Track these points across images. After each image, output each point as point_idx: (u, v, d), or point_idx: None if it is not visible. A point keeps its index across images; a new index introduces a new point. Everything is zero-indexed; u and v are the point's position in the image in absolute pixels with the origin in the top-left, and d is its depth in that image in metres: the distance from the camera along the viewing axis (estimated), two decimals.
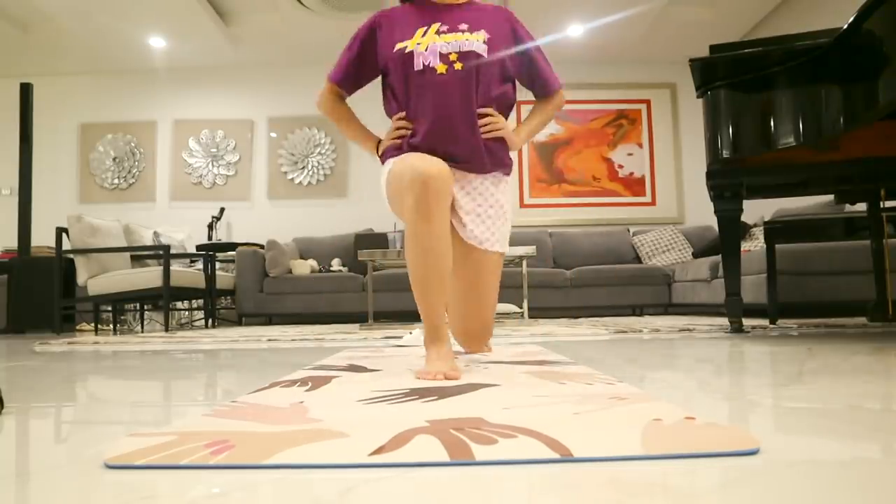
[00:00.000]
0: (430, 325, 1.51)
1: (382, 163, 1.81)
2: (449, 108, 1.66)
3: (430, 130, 1.67)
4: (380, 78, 1.83)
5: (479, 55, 1.66)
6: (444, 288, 1.54)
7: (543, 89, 1.93)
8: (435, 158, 1.56)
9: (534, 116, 1.94)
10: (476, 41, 1.67)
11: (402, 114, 1.72)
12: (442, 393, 1.14)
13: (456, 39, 1.67)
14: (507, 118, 1.80)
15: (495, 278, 1.80)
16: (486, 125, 1.71)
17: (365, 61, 1.81)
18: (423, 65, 1.65)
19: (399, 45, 1.69)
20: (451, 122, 1.66)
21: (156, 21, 5.93)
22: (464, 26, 1.70)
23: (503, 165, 1.80)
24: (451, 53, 1.65)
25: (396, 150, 1.73)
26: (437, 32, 1.68)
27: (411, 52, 1.66)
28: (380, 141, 1.85)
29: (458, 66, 1.65)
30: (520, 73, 1.84)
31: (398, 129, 1.73)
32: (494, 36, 1.71)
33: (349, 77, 1.84)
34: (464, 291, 1.77)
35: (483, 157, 1.71)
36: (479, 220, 1.75)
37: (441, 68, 1.64)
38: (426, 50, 1.66)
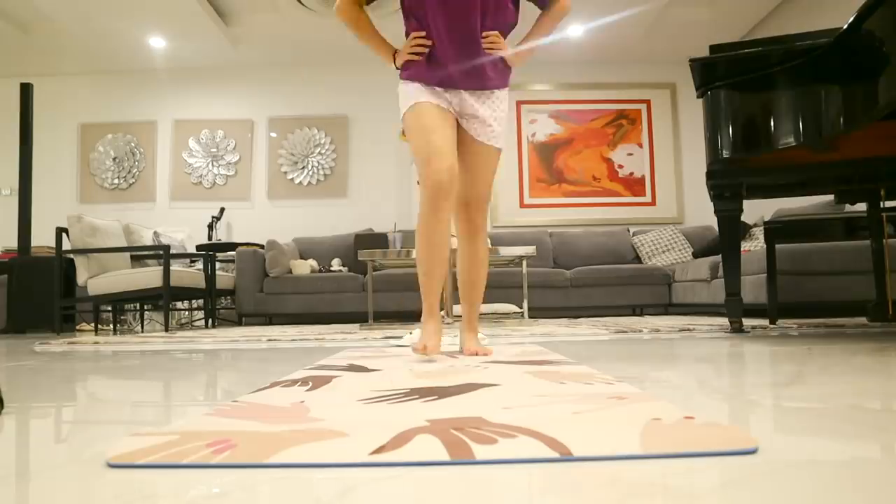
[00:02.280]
0: (428, 302, 1.92)
1: (401, 77, 1.99)
2: (463, 28, 1.86)
3: (444, 47, 1.88)
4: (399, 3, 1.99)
5: None
6: (443, 271, 1.95)
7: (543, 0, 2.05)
8: (447, 152, 1.84)
9: (534, 32, 2.04)
10: None
11: (423, 33, 1.90)
12: (442, 393, 1.14)
13: None
14: (506, 37, 1.99)
15: (493, 164, 2.02)
16: (489, 43, 1.90)
17: None
18: None
19: None
20: (464, 41, 1.87)
21: (156, 21, 5.93)
22: None
23: (504, 84, 2.01)
24: None
25: (412, 68, 1.93)
26: None
27: None
28: (396, 52, 1.99)
29: None
30: None
31: (415, 45, 1.90)
32: None
33: None
34: (466, 173, 1.98)
35: (490, 73, 1.93)
36: (496, 123, 1.98)
37: None
38: None
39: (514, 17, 1.99)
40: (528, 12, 2.03)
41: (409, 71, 1.95)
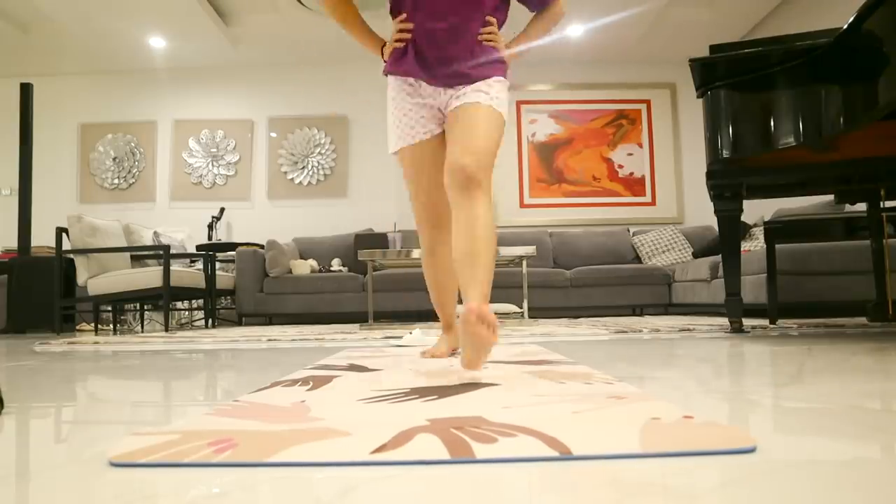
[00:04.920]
0: (444, 320, 2.01)
1: (384, 71, 1.88)
2: (448, 19, 1.73)
3: (428, 37, 1.75)
4: None
5: None
6: (453, 296, 1.98)
7: (538, 2, 1.93)
8: (430, 180, 1.83)
9: (526, 34, 1.92)
10: None
11: (404, 16, 1.77)
12: (442, 392, 1.14)
13: None
14: None
15: (489, 124, 1.71)
16: (486, 34, 1.77)
17: None
18: None
19: None
20: (448, 33, 1.74)
21: (156, 21, 5.93)
22: None
23: (497, 73, 1.82)
24: None
25: (395, 62, 1.82)
26: None
27: None
28: (384, 44, 1.89)
29: None
30: None
31: (400, 31, 1.79)
32: None
33: None
34: (452, 133, 1.73)
35: (478, 66, 1.77)
36: (489, 89, 1.78)
37: None
38: None
39: (505, 15, 1.89)
40: (517, 19, 1.95)
41: (393, 64, 1.82)
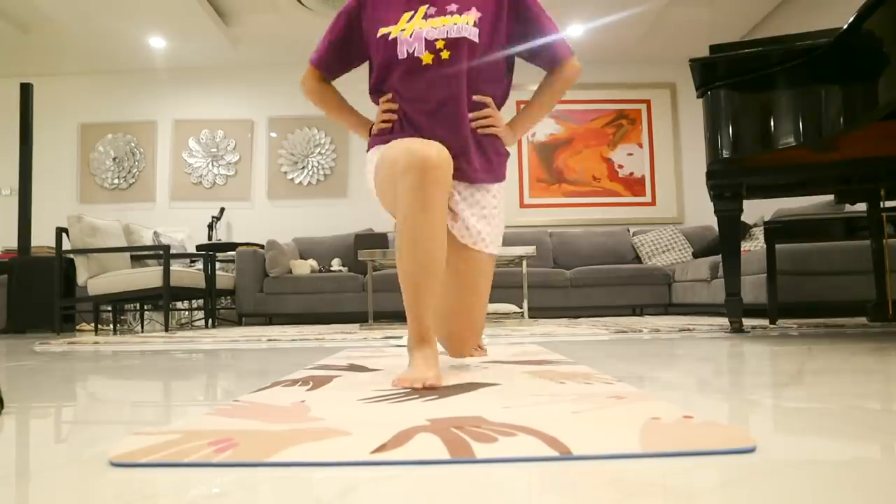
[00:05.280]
0: (417, 326, 1.35)
1: (368, 150, 1.63)
2: (434, 102, 1.49)
3: (416, 124, 1.52)
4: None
5: (469, 41, 1.47)
6: (436, 287, 1.37)
7: (548, 60, 1.63)
8: (434, 142, 1.37)
9: (537, 100, 1.66)
10: (465, 24, 1.48)
11: (389, 95, 1.55)
12: (442, 392, 1.14)
13: (444, 24, 1.49)
14: (500, 109, 1.62)
15: (487, 281, 1.61)
16: (481, 119, 1.53)
17: (350, 42, 1.61)
18: (407, 52, 1.49)
19: (382, 31, 1.52)
20: (436, 118, 1.50)
21: (156, 21, 5.93)
22: (453, 7, 1.52)
23: (498, 178, 1.60)
24: (437, 40, 1.47)
25: (382, 136, 1.56)
26: (425, 16, 1.51)
27: (395, 39, 1.50)
28: (372, 125, 1.65)
29: (444, 54, 1.47)
30: (518, 40, 1.59)
31: (385, 111, 1.56)
32: (486, 13, 1.52)
33: (332, 60, 1.65)
34: (452, 290, 1.57)
35: (473, 159, 1.53)
36: (484, 224, 1.57)
37: (427, 58, 1.47)
38: (410, 36, 1.49)
39: (506, 88, 1.64)
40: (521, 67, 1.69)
41: (381, 137, 1.56)
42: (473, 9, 1.51)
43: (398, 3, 1.56)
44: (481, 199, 1.56)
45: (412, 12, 1.53)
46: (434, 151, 1.31)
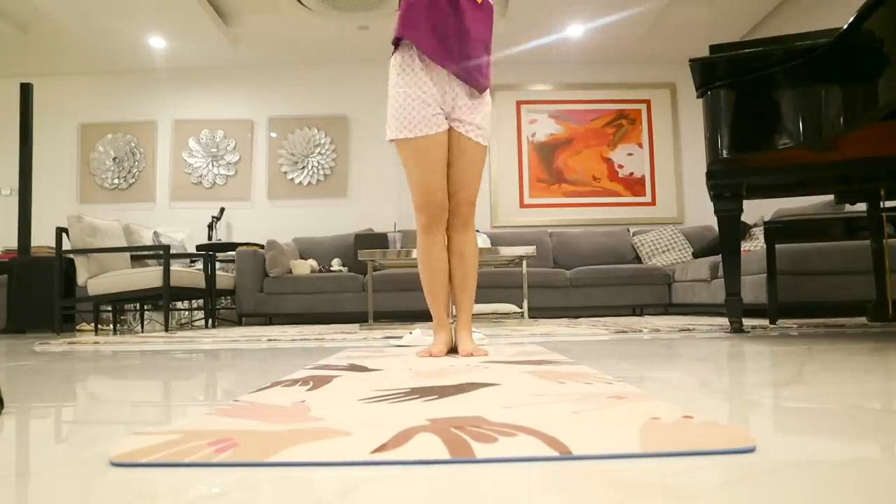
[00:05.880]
0: (437, 314, 2.07)
1: (396, 35, 1.96)
2: (472, 32, 1.95)
3: (449, 44, 1.93)
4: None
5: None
6: (445, 286, 2.07)
7: None
8: (440, 180, 1.98)
9: None
10: None
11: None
12: (442, 392, 1.14)
13: None
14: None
15: (482, 161, 2.07)
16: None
17: None
18: None
19: None
20: (461, 40, 1.94)
21: (156, 21, 5.93)
22: None
23: (490, 87, 2.09)
24: None
25: (409, 24, 1.92)
26: None
27: None
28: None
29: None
30: None
31: None
32: None
33: None
34: (458, 173, 2.03)
35: (484, 71, 2.02)
36: (485, 123, 2.04)
37: None
38: None
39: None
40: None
41: (407, 27, 1.93)
42: None
43: None
44: (479, 104, 2.02)
45: None
46: (441, 197, 1.98)
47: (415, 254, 4.36)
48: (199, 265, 5.82)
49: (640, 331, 3.11)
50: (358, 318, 5.55)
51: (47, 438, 0.89)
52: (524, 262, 4.48)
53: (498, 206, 6.88)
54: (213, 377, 1.67)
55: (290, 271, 5.72)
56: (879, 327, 2.96)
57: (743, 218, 3.00)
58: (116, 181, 6.93)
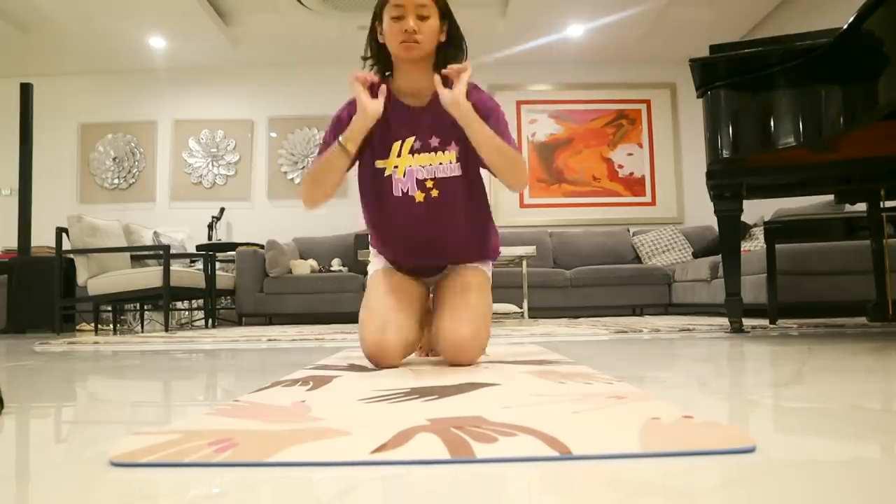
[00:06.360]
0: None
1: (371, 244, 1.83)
2: (425, 233, 1.66)
3: (406, 248, 1.72)
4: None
5: (454, 178, 1.63)
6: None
7: None
8: (392, 337, 1.56)
9: (488, 129, 1.59)
10: (449, 162, 1.62)
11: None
12: (442, 392, 1.14)
13: (430, 163, 1.62)
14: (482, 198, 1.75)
15: (485, 294, 1.70)
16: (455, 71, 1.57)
17: None
18: (402, 192, 1.63)
19: (378, 164, 1.66)
20: (428, 244, 1.69)
21: (156, 21, 5.93)
22: (435, 141, 1.63)
23: (490, 257, 1.80)
24: (427, 180, 1.62)
25: (378, 248, 1.78)
26: (411, 151, 1.63)
27: (390, 177, 1.64)
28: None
29: (434, 193, 1.62)
30: None
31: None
32: (462, 142, 1.61)
33: None
34: (451, 298, 1.64)
35: (472, 253, 1.75)
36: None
37: (419, 197, 1.63)
38: (404, 176, 1.63)
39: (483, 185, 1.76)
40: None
41: (385, 249, 1.77)
42: (453, 142, 1.63)
43: (386, 127, 1.65)
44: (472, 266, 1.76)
45: (400, 142, 1.64)
46: (393, 356, 1.57)
47: None
48: (199, 265, 5.81)
49: (640, 331, 3.11)
50: (358, 318, 5.54)
51: (47, 438, 0.89)
52: (524, 262, 4.48)
53: (498, 206, 6.88)
54: (213, 377, 1.67)
55: (290, 271, 5.72)
56: (879, 327, 2.95)
57: (743, 218, 2.99)
58: (116, 181, 6.93)
